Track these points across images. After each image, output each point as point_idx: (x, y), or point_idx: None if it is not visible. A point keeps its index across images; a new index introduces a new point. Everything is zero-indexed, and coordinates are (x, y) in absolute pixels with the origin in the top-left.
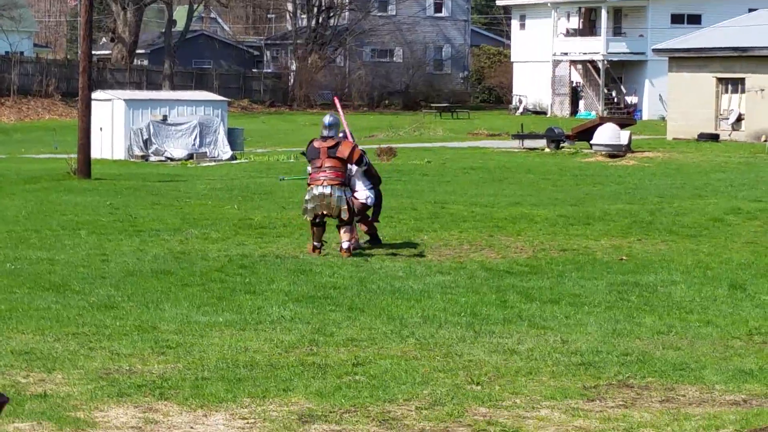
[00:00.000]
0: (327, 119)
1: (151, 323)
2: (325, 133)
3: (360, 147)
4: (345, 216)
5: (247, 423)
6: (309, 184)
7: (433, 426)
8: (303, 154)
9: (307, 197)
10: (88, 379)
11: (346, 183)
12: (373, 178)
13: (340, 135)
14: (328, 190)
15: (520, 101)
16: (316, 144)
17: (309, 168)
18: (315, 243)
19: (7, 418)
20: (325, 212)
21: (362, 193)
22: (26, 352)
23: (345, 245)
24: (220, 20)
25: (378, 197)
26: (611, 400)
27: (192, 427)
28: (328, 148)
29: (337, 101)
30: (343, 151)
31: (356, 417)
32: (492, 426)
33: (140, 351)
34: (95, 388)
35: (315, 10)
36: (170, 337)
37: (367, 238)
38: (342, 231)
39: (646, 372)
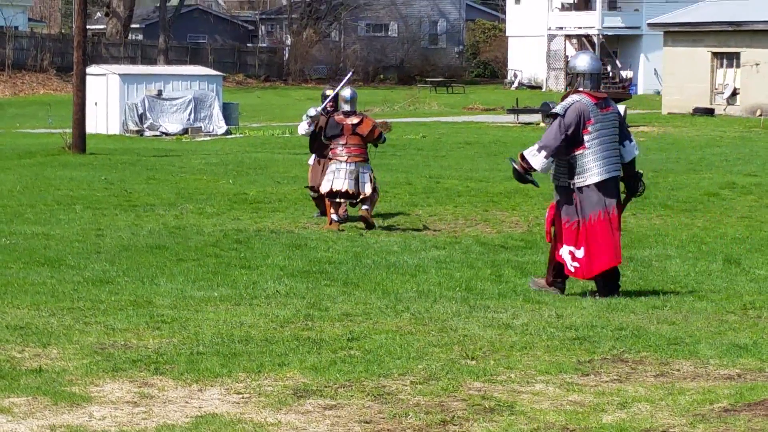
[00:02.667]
0: (348, 93)
1: (146, 298)
2: (347, 108)
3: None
4: (364, 191)
5: (243, 397)
6: (329, 159)
7: (428, 401)
8: (317, 129)
9: (329, 170)
10: (84, 354)
11: (367, 158)
12: None
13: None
14: (353, 167)
15: (515, 76)
16: (337, 119)
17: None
18: (332, 216)
19: (2, 393)
20: (346, 190)
21: None
22: (21, 327)
23: (365, 207)
24: None
25: None
26: (606, 375)
27: (187, 402)
28: (353, 125)
29: (349, 75)
30: (364, 129)
31: (351, 392)
32: (487, 400)
33: (135, 326)
34: (90, 363)
35: None
36: (165, 312)
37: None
38: (372, 198)
39: (641, 346)
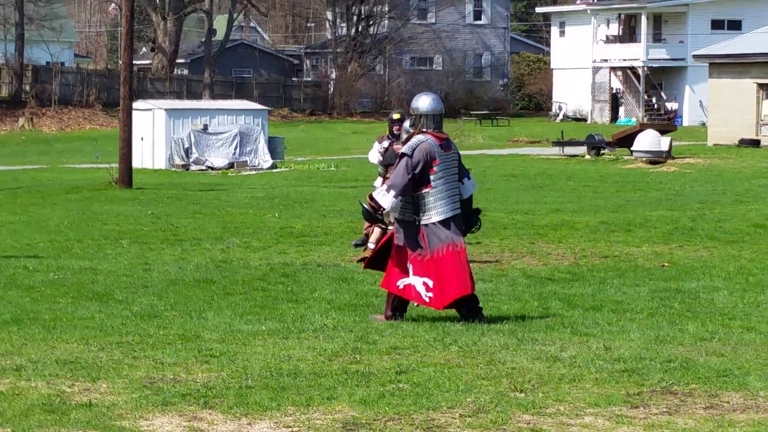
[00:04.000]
0: (408, 122)
1: (194, 332)
2: (404, 135)
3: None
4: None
5: (292, 431)
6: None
7: None
8: (380, 158)
9: None
10: (133, 388)
11: None
12: None
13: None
14: None
15: (560, 108)
16: (395, 147)
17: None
18: (370, 245)
19: (53, 428)
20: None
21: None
22: (71, 361)
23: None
24: (259, 29)
25: None
26: (655, 407)
27: None
28: None
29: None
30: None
31: (400, 425)
32: None
33: (184, 360)
34: (140, 397)
35: (354, 18)
36: (214, 345)
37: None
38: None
39: (690, 378)
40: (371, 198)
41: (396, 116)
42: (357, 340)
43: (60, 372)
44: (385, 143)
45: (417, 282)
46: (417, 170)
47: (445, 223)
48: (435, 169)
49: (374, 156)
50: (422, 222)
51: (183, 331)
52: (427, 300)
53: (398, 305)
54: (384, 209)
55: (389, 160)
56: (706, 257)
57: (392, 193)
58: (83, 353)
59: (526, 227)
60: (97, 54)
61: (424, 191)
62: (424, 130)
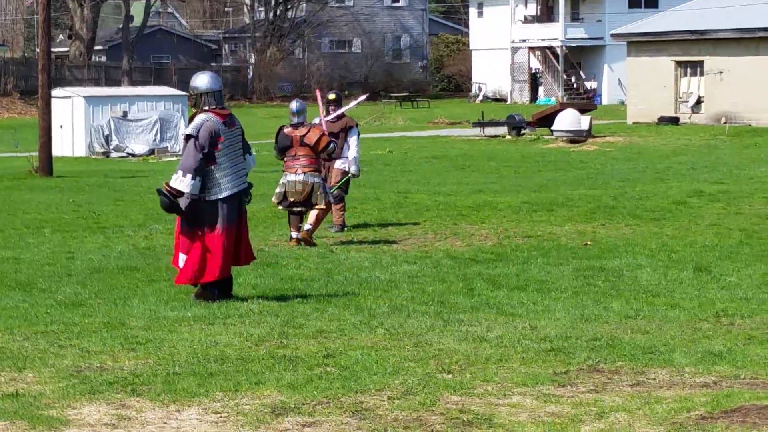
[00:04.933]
0: (294, 105)
1: (119, 320)
2: (295, 120)
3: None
4: (318, 202)
5: (221, 417)
6: (283, 171)
7: (406, 415)
8: (275, 143)
9: (281, 182)
10: (60, 377)
11: (317, 169)
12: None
13: (315, 121)
14: (301, 177)
15: (480, 89)
16: (286, 131)
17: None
18: (292, 233)
19: None
20: (299, 200)
21: (339, 162)
22: None
23: (306, 227)
24: (177, 15)
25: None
26: (582, 385)
27: (165, 423)
28: (300, 136)
29: (318, 94)
30: (311, 137)
31: (329, 408)
32: (465, 414)
33: (110, 348)
34: (67, 386)
35: (272, 2)
36: (140, 333)
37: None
38: (311, 213)
39: (616, 356)
40: (168, 186)
41: (331, 96)
42: (283, 325)
43: None
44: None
45: (181, 259)
46: (205, 150)
47: (230, 199)
48: (220, 146)
49: None
50: (206, 198)
51: (108, 319)
52: (180, 266)
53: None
54: (184, 193)
55: (284, 143)
56: (629, 235)
57: (189, 176)
58: (8, 343)
59: (448, 208)
60: (14, 42)
61: (208, 168)
62: (206, 108)
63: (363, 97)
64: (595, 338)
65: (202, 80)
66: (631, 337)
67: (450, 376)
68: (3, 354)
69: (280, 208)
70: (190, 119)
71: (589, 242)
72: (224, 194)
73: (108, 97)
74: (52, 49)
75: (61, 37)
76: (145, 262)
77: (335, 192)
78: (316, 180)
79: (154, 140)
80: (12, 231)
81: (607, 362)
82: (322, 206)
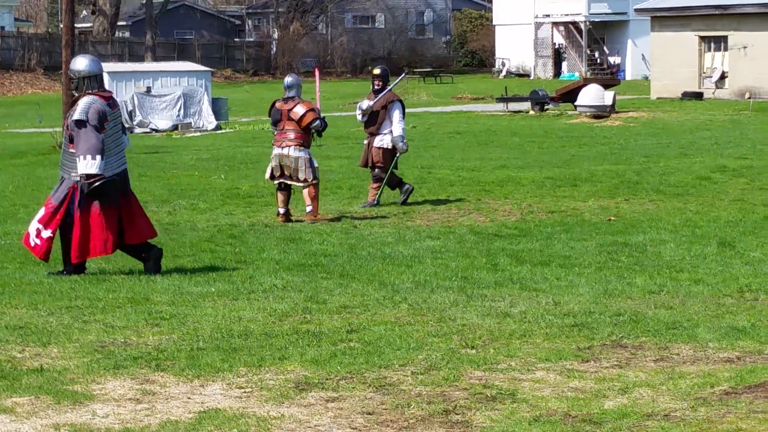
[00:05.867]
0: (287, 80)
1: (143, 295)
2: (286, 94)
3: (316, 111)
4: (302, 176)
5: (244, 392)
6: (273, 144)
7: (429, 390)
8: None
9: (271, 156)
10: (84, 353)
11: (303, 143)
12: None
13: (363, 103)
14: (286, 151)
15: (503, 64)
16: (278, 105)
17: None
18: (279, 209)
19: (4, 393)
20: (285, 173)
21: (379, 139)
22: (20, 326)
23: (308, 209)
24: None
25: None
26: (605, 361)
27: (189, 398)
28: (288, 110)
29: (317, 72)
30: (297, 112)
31: (352, 383)
32: (488, 389)
33: (134, 323)
34: (91, 361)
35: None
36: (164, 308)
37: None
38: (305, 193)
39: (640, 332)
40: (84, 176)
41: (376, 72)
42: (307, 300)
43: (10, 337)
44: (364, 104)
45: (33, 227)
46: (99, 130)
47: (113, 178)
48: (106, 127)
49: (358, 113)
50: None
51: (132, 294)
52: (33, 245)
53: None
54: (101, 175)
55: (275, 116)
56: (652, 210)
57: (98, 157)
58: (33, 318)
59: (472, 184)
60: (38, 18)
61: None
62: (90, 91)
63: (404, 74)
64: (619, 313)
65: (82, 63)
66: (655, 313)
67: (473, 351)
68: (27, 329)
69: (272, 182)
70: (72, 103)
71: (612, 217)
72: (108, 174)
73: (131, 72)
74: (76, 25)
75: (84, 12)
76: (168, 238)
77: (378, 173)
78: (302, 154)
79: (178, 116)
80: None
81: (631, 337)
82: (311, 181)
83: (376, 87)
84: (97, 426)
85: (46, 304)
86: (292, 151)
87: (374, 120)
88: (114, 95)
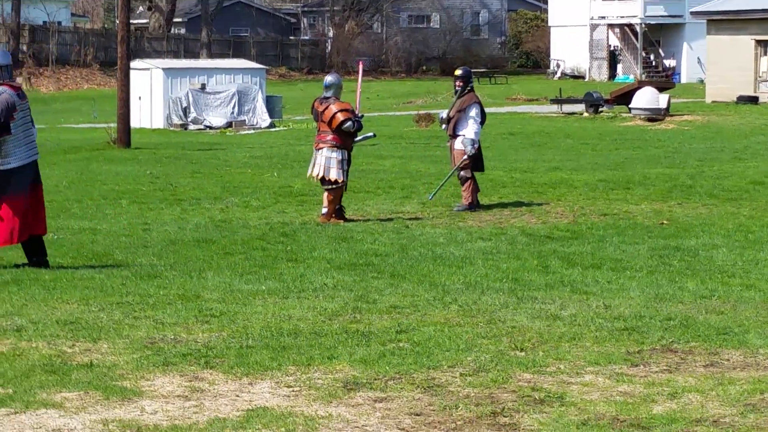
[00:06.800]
0: (327, 79)
1: (194, 292)
2: (324, 93)
3: (349, 112)
4: (329, 176)
5: (293, 391)
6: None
7: (477, 392)
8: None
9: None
10: (134, 349)
11: (337, 144)
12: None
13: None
14: (318, 152)
15: (558, 66)
16: (315, 105)
17: None
18: (323, 209)
19: (54, 388)
20: (315, 174)
21: (458, 141)
22: (71, 321)
23: (323, 210)
24: None
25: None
26: (655, 365)
27: (238, 396)
28: (320, 111)
29: (360, 66)
30: (327, 114)
31: (401, 384)
32: (537, 392)
33: (184, 320)
34: (141, 358)
35: None
36: (214, 305)
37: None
38: (324, 195)
39: (690, 336)
40: None
41: (458, 72)
42: (357, 300)
43: (61, 332)
44: (443, 112)
45: None
46: (2, 119)
47: (22, 168)
48: (15, 116)
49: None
50: (0, 168)
51: (183, 291)
52: None
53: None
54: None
55: (314, 116)
56: (705, 215)
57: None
58: (83, 314)
59: (525, 185)
60: (94, 13)
61: (2, 139)
62: (1, 82)
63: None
64: (669, 318)
65: None
66: (706, 318)
67: (522, 353)
68: (78, 324)
69: (308, 177)
70: None
71: (665, 221)
72: (18, 164)
73: (186, 69)
74: (132, 21)
75: (140, 8)
76: (220, 235)
77: (464, 175)
78: (335, 155)
79: (232, 113)
80: (89, 202)
81: (681, 342)
82: (338, 180)
83: (457, 88)
84: (146, 422)
85: (98, 300)
86: (326, 152)
87: (454, 122)
88: (21, 87)
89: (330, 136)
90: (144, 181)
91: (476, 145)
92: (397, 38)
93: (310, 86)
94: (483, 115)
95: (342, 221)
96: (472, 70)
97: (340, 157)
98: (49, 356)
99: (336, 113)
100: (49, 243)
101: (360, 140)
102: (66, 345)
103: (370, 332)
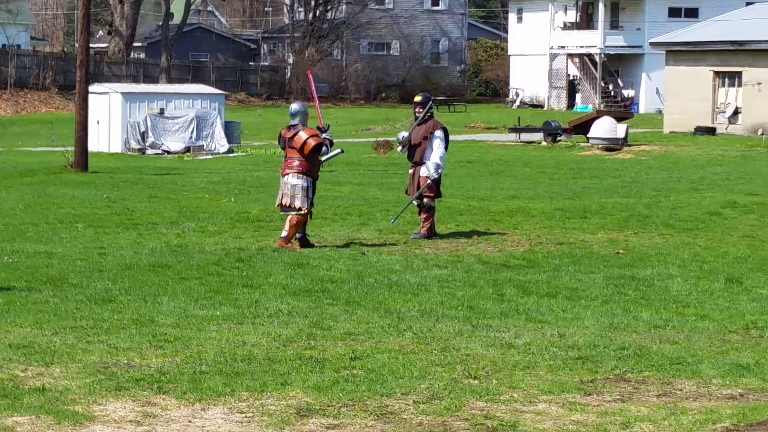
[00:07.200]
0: (292, 107)
1: (148, 317)
2: (291, 121)
3: (324, 137)
4: (294, 203)
5: (246, 417)
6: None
7: (430, 420)
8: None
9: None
10: (87, 373)
11: (304, 171)
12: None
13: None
14: (286, 180)
15: (517, 94)
16: (282, 132)
17: None
18: (283, 233)
19: (5, 412)
20: (283, 202)
21: (424, 168)
22: (24, 345)
23: (282, 233)
24: (217, 13)
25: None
26: (608, 395)
27: (190, 421)
28: (288, 138)
29: (310, 75)
30: (297, 141)
31: (354, 411)
32: (489, 420)
33: (138, 345)
34: (93, 382)
35: (312, 3)
36: (168, 330)
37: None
38: (287, 219)
39: (643, 366)
40: None
41: (417, 99)
42: (312, 326)
43: (13, 356)
44: (400, 136)
45: None
46: None
47: None
48: None
49: (398, 147)
50: None
51: (137, 315)
52: None
53: None
54: None
55: (281, 144)
56: (661, 244)
57: None
58: (37, 337)
59: (482, 213)
60: (54, 37)
61: None
62: None
63: (431, 101)
64: (624, 347)
65: None
66: (660, 347)
67: (476, 381)
68: (31, 348)
69: (276, 207)
70: None
71: (621, 251)
72: None
73: (145, 93)
74: (91, 45)
75: (100, 33)
76: (176, 260)
77: (428, 202)
78: (300, 182)
79: (190, 138)
80: (45, 225)
81: (634, 372)
82: (302, 210)
83: (417, 114)
84: None
85: (51, 324)
86: (291, 179)
87: (417, 149)
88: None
89: (296, 162)
90: (100, 205)
91: (441, 170)
92: (357, 65)
93: (269, 112)
94: (447, 140)
95: (298, 247)
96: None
97: (305, 185)
98: (1, 380)
99: (307, 140)
100: (3, 266)
101: (329, 158)
102: (18, 369)
103: (324, 359)
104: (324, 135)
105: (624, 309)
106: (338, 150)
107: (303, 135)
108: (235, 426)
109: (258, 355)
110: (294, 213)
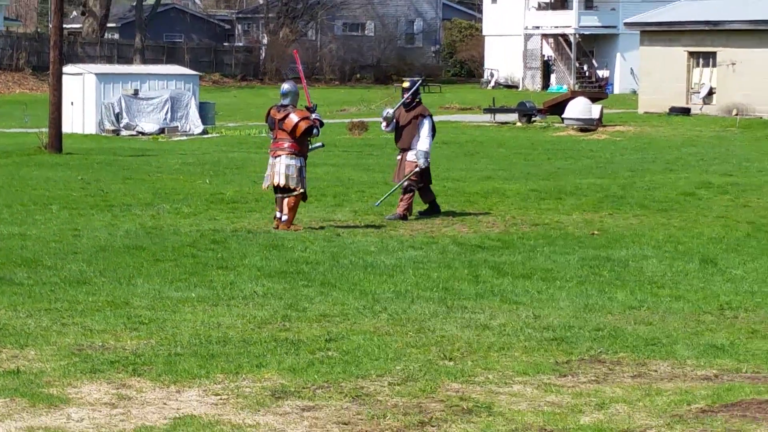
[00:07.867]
0: (283, 86)
1: (123, 299)
2: (282, 101)
3: (313, 117)
4: (291, 184)
5: (221, 399)
6: (269, 154)
7: (406, 401)
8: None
9: (268, 164)
10: (61, 355)
11: (297, 152)
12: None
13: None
14: (278, 161)
15: (492, 75)
16: (272, 113)
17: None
18: (276, 213)
19: None
20: (275, 182)
21: (411, 153)
22: None
23: (283, 218)
24: None
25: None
26: (583, 376)
27: (165, 403)
28: (279, 119)
29: (296, 54)
30: (287, 125)
31: (329, 393)
32: (465, 401)
33: (113, 327)
34: (68, 365)
35: None
36: (143, 312)
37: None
38: (284, 202)
39: (618, 347)
40: None
41: (405, 84)
42: (287, 308)
43: None
44: (385, 113)
45: None
46: None
47: None
48: None
49: (384, 128)
50: None
51: (112, 297)
52: None
53: None
54: None
55: (270, 124)
56: (636, 225)
57: None
58: (11, 320)
59: (456, 194)
60: (27, 17)
61: None
62: None
63: (421, 79)
64: (598, 328)
65: None
66: (634, 328)
67: (451, 363)
68: (6, 331)
69: (265, 189)
70: None
71: (596, 232)
72: None
73: (119, 74)
74: (65, 26)
75: (74, 13)
76: (151, 242)
77: (409, 185)
78: (294, 162)
79: (165, 119)
80: (19, 207)
81: (609, 353)
82: (298, 191)
83: (406, 100)
84: (72, 430)
85: (26, 306)
86: (285, 159)
87: (405, 135)
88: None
89: (287, 143)
90: (75, 186)
91: (429, 159)
92: (332, 46)
93: (243, 93)
94: (434, 129)
95: (301, 228)
96: (406, 79)
97: (299, 165)
98: None
99: (298, 122)
100: None
101: (311, 150)
102: None
103: (299, 341)
104: (314, 115)
105: (599, 290)
106: (319, 144)
107: (294, 117)
108: (210, 408)
109: (233, 337)
110: (292, 195)
